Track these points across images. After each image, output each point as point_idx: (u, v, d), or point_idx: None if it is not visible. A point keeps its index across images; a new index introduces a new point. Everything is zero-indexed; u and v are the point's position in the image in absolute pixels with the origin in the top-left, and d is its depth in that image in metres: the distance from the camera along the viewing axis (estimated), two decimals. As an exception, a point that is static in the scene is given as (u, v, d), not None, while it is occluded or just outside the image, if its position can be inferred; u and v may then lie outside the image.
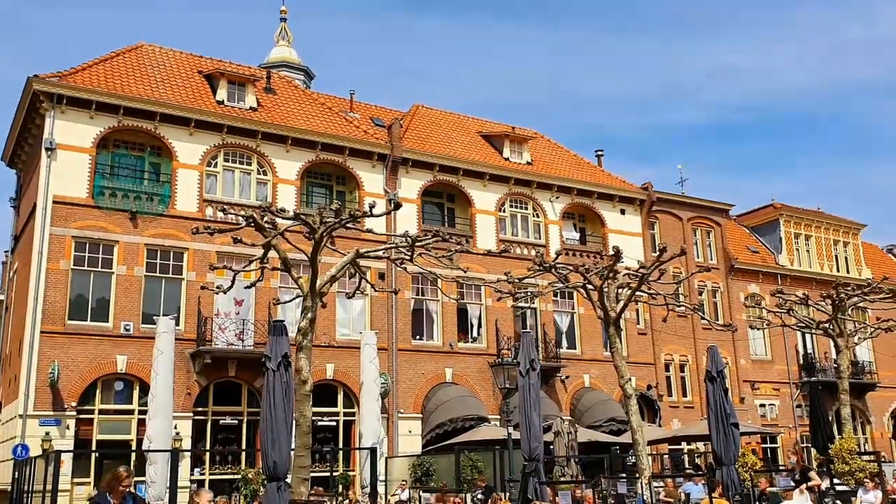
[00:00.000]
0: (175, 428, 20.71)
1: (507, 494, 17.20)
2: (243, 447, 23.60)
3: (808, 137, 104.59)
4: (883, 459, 21.41)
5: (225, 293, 18.17)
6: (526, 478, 15.15)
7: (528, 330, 22.26)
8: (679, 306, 22.02)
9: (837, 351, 24.33)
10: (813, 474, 16.66)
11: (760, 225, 39.86)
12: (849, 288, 24.55)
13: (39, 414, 21.33)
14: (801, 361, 36.67)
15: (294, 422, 13.18)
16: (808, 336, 35.80)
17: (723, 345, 29.33)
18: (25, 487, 17.14)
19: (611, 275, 18.12)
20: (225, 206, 19.38)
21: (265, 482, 12.45)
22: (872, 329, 26.31)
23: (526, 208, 31.04)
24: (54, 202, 22.75)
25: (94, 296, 22.98)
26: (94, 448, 21.85)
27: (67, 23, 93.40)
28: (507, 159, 31.44)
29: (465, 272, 21.03)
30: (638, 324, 32.11)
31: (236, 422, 24.02)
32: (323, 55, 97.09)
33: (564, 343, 30.30)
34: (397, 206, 15.99)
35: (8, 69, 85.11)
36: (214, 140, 25.39)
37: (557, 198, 31.38)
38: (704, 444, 27.28)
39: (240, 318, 24.21)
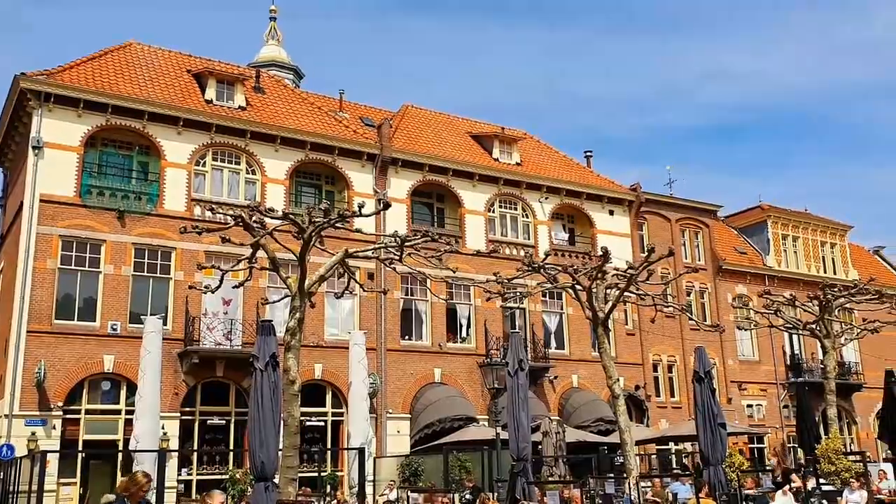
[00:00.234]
0: (162, 428, 20.60)
1: (496, 494, 17.22)
2: (231, 447, 23.50)
3: (803, 139, 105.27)
4: (868, 459, 21.59)
5: (213, 293, 18.12)
6: (514, 478, 15.20)
7: (516, 330, 22.34)
8: (667, 307, 22.14)
9: (824, 352, 24.50)
10: (794, 476, 16.79)
11: (748, 226, 40.07)
12: (835, 289, 24.69)
13: (25, 414, 21.17)
14: (788, 362, 36.89)
15: (282, 422, 13.16)
16: (795, 337, 36.01)
17: (710, 345, 29.42)
18: (11, 488, 17.05)
19: (599, 275, 18.19)
20: (213, 206, 19.38)
21: (253, 482, 12.44)
22: (859, 330, 26.47)
23: (515, 209, 31.08)
24: (41, 201, 22.59)
25: (81, 295, 22.84)
26: (80, 448, 21.73)
27: (59, 22, 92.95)
28: (496, 160, 31.47)
29: (454, 272, 21.05)
30: (626, 324, 32.20)
31: (224, 422, 23.91)
32: (313, 55, 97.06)
33: (553, 343, 30.34)
34: (386, 206, 15.93)
35: (8, 69, 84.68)
36: (203, 139, 25.29)
37: (547, 198, 31.43)
38: (692, 445, 27.37)
39: (228, 318, 24.10)
